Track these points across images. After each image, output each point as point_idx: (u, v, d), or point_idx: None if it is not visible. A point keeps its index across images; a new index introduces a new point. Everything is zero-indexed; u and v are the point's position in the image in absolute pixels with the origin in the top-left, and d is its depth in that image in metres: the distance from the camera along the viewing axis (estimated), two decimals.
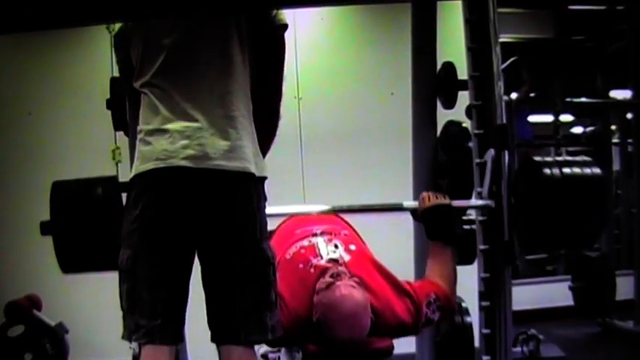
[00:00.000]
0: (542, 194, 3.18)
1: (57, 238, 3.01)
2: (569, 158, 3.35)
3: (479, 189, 3.44)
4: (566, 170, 3.19)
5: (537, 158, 3.31)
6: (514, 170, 3.31)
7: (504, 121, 3.31)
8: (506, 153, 3.24)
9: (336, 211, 3.22)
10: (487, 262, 3.41)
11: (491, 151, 3.25)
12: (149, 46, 2.47)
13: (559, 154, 7.78)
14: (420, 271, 3.61)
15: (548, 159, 3.29)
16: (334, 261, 2.80)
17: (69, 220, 3.03)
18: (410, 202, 3.25)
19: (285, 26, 2.61)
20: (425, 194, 3.08)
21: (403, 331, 2.82)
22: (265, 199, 2.51)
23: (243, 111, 2.46)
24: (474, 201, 3.42)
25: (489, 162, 3.26)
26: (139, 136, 2.44)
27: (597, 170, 3.23)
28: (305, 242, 2.94)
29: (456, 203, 3.18)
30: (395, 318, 2.74)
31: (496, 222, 3.29)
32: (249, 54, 2.55)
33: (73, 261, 3.06)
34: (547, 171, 3.19)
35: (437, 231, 3.02)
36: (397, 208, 3.28)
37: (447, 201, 3.05)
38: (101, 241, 2.95)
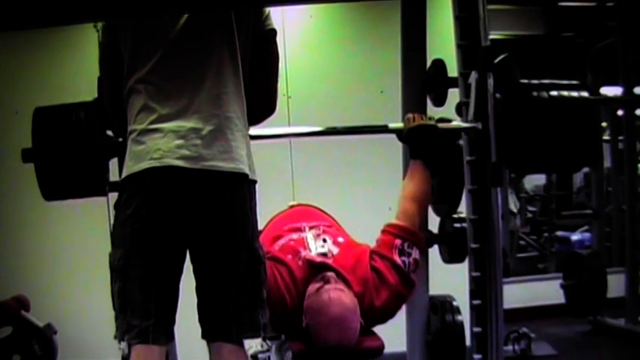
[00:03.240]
0: (530, 116, 3.16)
1: (39, 164, 2.98)
2: (557, 81, 3.33)
3: (469, 186, 3.43)
4: (554, 93, 3.17)
5: (524, 81, 3.29)
6: (501, 93, 3.28)
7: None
8: (491, 75, 3.23)
9: (326, 132, 3.21)
10: (478, 260, 3.40)
11: (475, 74, 3.24)
12: (143, 43, 2.47)
13: None
14: None
15: (535, 82, 3.26)
16: (323, 255, 2.80)
17: (51, 146, 3.00)
18: (395, 124, 3.25)
19: (274, 30, 2.65)
20: (410, 115, 3.10)
21: (400, 300, 2.83)
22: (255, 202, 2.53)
23: (238, 112, 2.47)
24: (461, 123, 3.41)
25: (473, 84, 3.25)
26: (132, 136, 2.43)
27: (585, 93, 3.22)
28: (294, 235, 2.94)
29: (442, 125, 3.18)
30: (385, 300, 2.76)
31: (483, 144, 3.28)
32: (244, 56, 2.55)
33: (55, 188, 3.03)
34: (534, 93, 3.18)
35: (419, 150, 3.02)
36: (382, 129, 3.29)
37: (431, 122, 3.05)
38: (83, 166, 2.93)
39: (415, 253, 2.82)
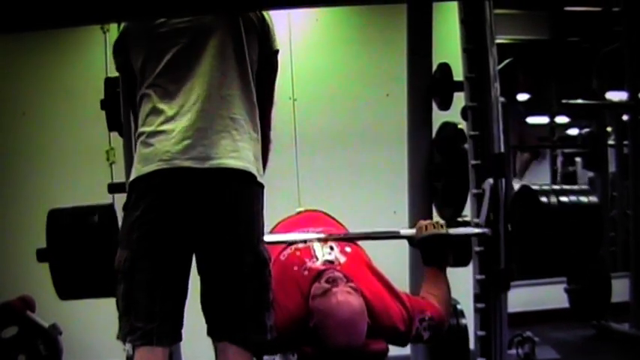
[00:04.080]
0: (539, 222, 3.18)
1: (54, 265, 3.02)
2: (566, 187, 3.35)
3: (474, 190, 3.43)
4: (563, 199, 3.19)
5: (534, 187, 3.31)
6: (511, 198, 3.31)
7: (501, 125, 3.32)
8: (503, 181, 3.26)
9: (333, 239, 3.18)
10: (482, 264, 3.41)
11: (490, 181, 3.26)
12: (152, 51, 2.48)
13: (555, 156, 7.82)
14: (414, 277, 3.61)
15: (545, 187, 3.28)
16: (330, 262, 2.79)
17: (65, 248, 3.05)
18: (406, 230, 3.24)
19: (278, 52, 2.69)
20: (422, 223, 3.07)
21: (395, 336, 2.81)
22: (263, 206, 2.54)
23: (245, 115, 2.48)
24: (471, 229, 3.42)
25: (487, 191, 3.26)
26: (140, 139, 2.44)
27: (594, 199, 3.24)
28: (300, 245, 2.93)
29: (453, 232, 3.18)
30: (390, 321, 2.74)
31: (493, 250, 3.29)
32: (252, 63, 2.56)
33: (70, 288, 3.08)
34: (544, 199, 3.19)
35: (433, 258, 3.02)
36: (394, 235, 3.27)
37: (443, 231, 3.03)
38: (98, 268, 2.95)
39: (426, 334, 2.84)
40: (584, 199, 3.23)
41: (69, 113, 5.29)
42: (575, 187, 3.41)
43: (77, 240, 3.05)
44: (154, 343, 2.34)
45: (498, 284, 3.32)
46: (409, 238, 3.17)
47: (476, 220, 3.40)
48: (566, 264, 3.35)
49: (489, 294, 3.37)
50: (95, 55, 5.12)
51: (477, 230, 3.34)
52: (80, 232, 3.07)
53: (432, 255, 3.02)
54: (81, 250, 3.03)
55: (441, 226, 3.04)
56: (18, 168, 5.27)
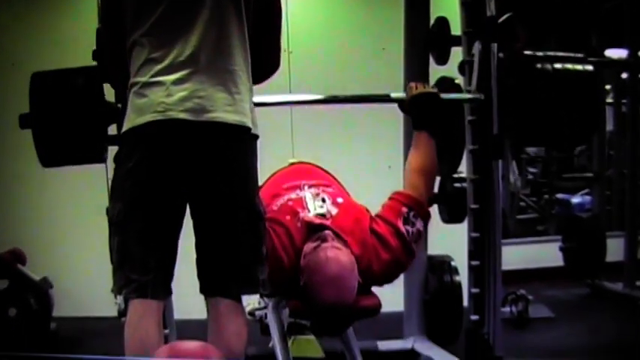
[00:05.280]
0: (533, 88, 3.13)
1: (37, 130, 2.96)
2: (561, 54, 3.30)
3: (470, 147, 3.40)
4: (558, 65, 3.14)
5: (528, 52, 3.26)
6: (504, 64, 3.24)
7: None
8: (495, 46, 3.20)
9: (327, 101, 3.15)
10: (477, 221, 3.39)
11: (478, 44, 3.21)
12: None
13: None
14: None
15: (540, 53, 3.23)
16: (322, 216, 2.76)
17: (49, 111, 2.99)
18: (397, 93, 3.20)
19: None
20: (412, 84, 3.05)
21: (399, 265, 2.79)
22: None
23: (242, 65, 2.45)
24: (464, 95, 3.38)
25: (477, 55, 3.21)
26: (134, 89, 2.39)
27: (589, 66, 3.19)
28: (293, 195, 2.90)
29: (445, 96, 3.15)
30: (383, 263, 2.72)
31: (485, 115, 3.25)
32: (249, 11, 2.52)
33: (53, 154, 3.02)
34: (538, 65, 3.15)
35: (423, 120, 2.98)
36: (385, 99, 3.26)
37: (434, 90, 3.02)
38: (82, 133, 2.91)
39: (419, 224, 2.79)
40: (579, 66, 3.19)
41: (60, 64, 5.18)
42: (571, 54, 3.35)
43: (61, 103, 2.99)
44: (149, 295, 2.33)
45: (491, 152, 3.29)
46: (399, 102, 3.12)
47: (468, 89, 3.37)
48: (560, 131, 3.31)
49: (484, 249, 3.35)
50: (86, 4, 5.05)
51: (469, 95, 3.31)
52: (65, 96, 3.01)
53: (421, 116, 2.99)
54: (65, 114, 2.98)
55: (432, 88, 3.03)
56: (8, 121, 5.21)
